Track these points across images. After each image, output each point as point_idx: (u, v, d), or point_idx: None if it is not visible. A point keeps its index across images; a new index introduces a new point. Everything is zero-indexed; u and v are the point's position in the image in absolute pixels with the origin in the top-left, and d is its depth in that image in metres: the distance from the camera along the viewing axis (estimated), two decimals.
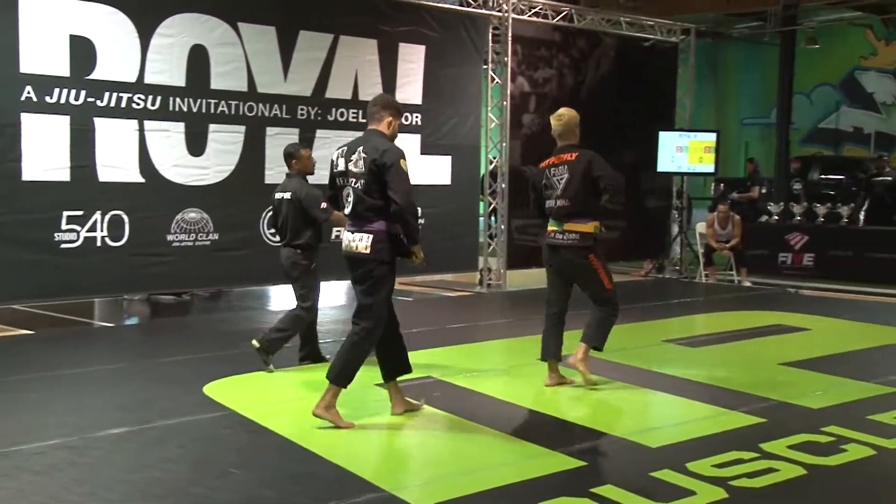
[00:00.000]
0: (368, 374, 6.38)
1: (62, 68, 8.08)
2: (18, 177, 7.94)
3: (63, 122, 8.12)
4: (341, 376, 5.08)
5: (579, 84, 12.33)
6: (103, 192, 8.39)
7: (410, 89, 10.43)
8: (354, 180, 5.03)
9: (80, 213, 8.28)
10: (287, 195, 6.58)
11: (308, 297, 6.57)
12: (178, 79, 8.73)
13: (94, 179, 8.34)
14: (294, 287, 6.63)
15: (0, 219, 7.88)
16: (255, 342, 6.44)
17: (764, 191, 16.17)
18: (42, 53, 7.96)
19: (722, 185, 15.95)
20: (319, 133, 9.69)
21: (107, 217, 8.41)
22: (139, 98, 8.51)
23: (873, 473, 4.48)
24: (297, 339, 6.70)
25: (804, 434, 4.98)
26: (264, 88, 9.28)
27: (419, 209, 10.43)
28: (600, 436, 5.04)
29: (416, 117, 10.51)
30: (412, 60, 10.43)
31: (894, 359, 7.20)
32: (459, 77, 10.89)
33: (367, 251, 4.99)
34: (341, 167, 5.14)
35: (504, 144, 11.39)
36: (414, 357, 6.90)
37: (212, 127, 8.99)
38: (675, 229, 13.46)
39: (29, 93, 7.92)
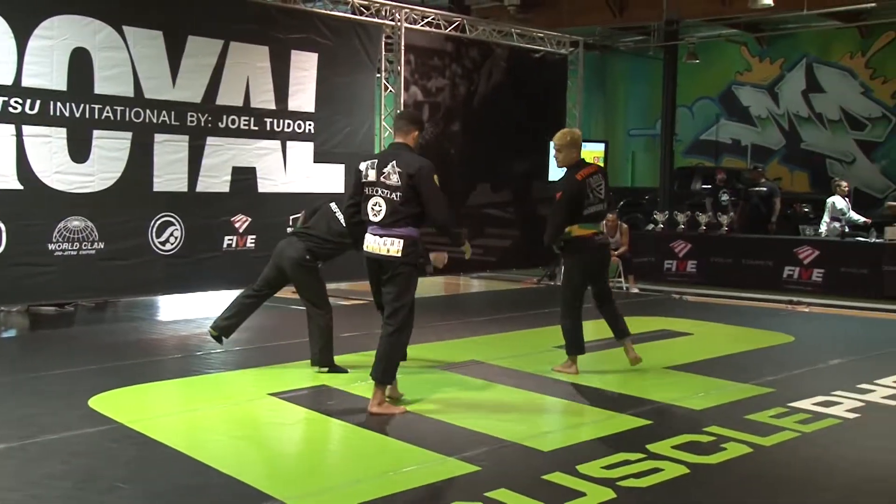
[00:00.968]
0: (260, 387, 6.32)
1: None
2: None
3: None
4: (387, 375, 5.59)
5: (472, 94, 12.49)
6: None
7: (303, 97, 10.36)
8: (388, 192, 5.47)
9: None
10: None
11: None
12: (58, 83, 8.41)
13: None
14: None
15: None
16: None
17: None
18: None
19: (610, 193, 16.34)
20: (210, 140, 9.51)
21: None
22: (16, 102, 8.15)
23: (750, 470, 4.69)
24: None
25: (687, 434, 5.17)
26: (152, 94, 9.04)
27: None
28: (494, 441, 5.10)
29: (310, 125, 10.44)
30: (305, 68, 10.35)
31: (769, 361, 7.54)
32: (353, 85, 10.88)
33: (399, 254, 5.44)
34: (371, 178, 5.54)
35: None
36: (308, 367, 6.90)
37: (96, 133, 8.70)
38: None
39: None
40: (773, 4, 13.76)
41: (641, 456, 4.76)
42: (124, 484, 4.30)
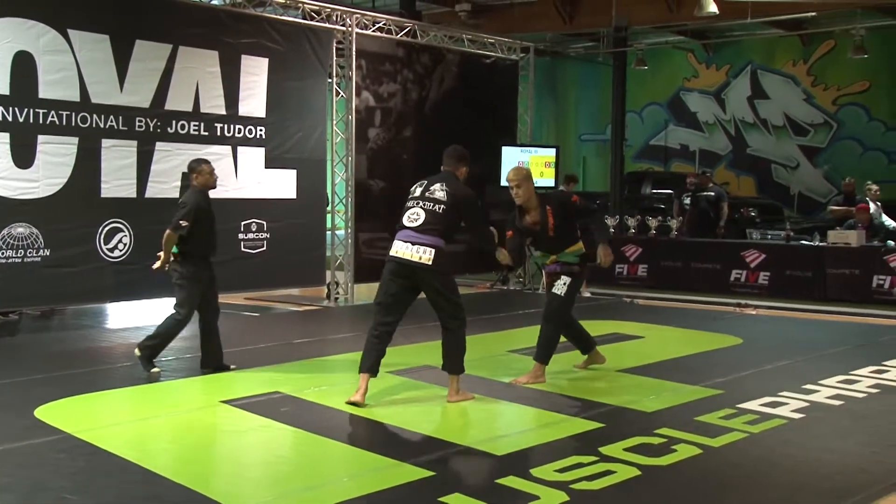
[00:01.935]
0: (212, 395, 6.26)
1: None
2: None
3: None
4: (458, 366, 6.07)
5: (424, 99, 12.51)
6: None
7: (254, 102, 10.28)
8: (432, 204, 5.92)
9: None
10: None
11: (185, 303, 6.83)
12: (1, 87, 8.25)
13: None
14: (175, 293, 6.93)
15: None
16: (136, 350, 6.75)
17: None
18: None
19: None
20: (159, 146, 9.39)
21: None
22: None
23: (700, 471, 4.76)
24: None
25: (639, 437, 5.24)
26: (98, 99, 8.91)
27: (264, 223, 10.41)
28: (448, 446, 5.12)
29: (261, 130, 10.36)
30: (255, 73, 10.28)
31: (718, 363, 7.66)
32: (304, 90, 10.83)
33: (430, 262, 5.83)
34: (416, 194, 6.03)
35: (350, 158, 11.40)
36: (261, 373, 6.85)
37: (41, 138, 8.54)
38: None
39: None
40: (718, 12, 13.99)
41: (594, 459, 4.81)
42: (72, 495, 4.22)
